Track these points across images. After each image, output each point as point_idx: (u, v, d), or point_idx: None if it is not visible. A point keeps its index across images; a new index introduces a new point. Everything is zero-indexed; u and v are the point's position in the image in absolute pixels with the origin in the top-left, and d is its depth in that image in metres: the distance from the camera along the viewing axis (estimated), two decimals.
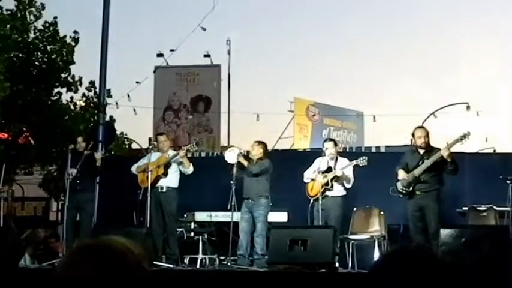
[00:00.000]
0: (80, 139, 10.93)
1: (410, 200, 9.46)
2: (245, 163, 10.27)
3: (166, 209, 10.38)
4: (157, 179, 10.35)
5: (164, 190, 10.41)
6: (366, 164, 10.01)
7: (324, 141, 10.98)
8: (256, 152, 10.40)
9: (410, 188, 9.40)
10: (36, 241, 13.90)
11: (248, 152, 10.70)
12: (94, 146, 11.29)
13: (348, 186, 10.17)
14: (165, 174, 10.42)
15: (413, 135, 9.76)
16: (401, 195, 9.54)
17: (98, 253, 1.89)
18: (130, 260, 1.90)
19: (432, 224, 9.13)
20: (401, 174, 9.52)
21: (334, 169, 10.10)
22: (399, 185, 9.51)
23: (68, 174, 10.35)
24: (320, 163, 10.26)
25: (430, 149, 9.46)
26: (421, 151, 9.53)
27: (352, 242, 10.36)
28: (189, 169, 10.53)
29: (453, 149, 9.41)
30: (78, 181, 10.41)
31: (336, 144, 10.69)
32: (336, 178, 10.06)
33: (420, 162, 9.41)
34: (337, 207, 10.06)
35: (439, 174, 9.41)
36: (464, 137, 9.20)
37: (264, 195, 10.18)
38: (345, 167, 10.10)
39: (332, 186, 10.05)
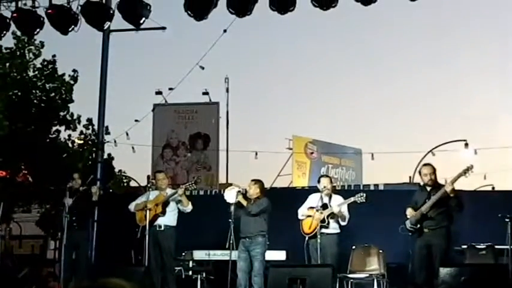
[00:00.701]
0: (76, 175, 10.90)
1: (419, 238, 9.38)
2: (244, 203, 10.25)
3: (164, 248, 10.34)
4: (155, 217, 10.32)
5: (162, 228, 10.37)
6: (364, 200, 9.95)
7: (319, 177, 10.99)
8: (254, 192, 10.38)
9: (418, 226, 9.34)
10: (34, 281, 13.79)
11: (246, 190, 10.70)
12: (91, 183, 11.27)
13: (343, 223, 10.14)
14: (163, 212, 10.39)
15: (420, 172, 9.75)
16: (410, 234, 9.46)
17: None
18: None
19: (437, 262, 9.02)
20: (409, 212, 9.46)
21: (330, 206, 10.08)
22: (408, 223, 9.44)
23: (64, 207, 10.31)
24: (314, 200, 10.24)
25: (437, 186, 9.43)
26: (428, 188, 9.49)
27: (351, 280, 10.32)
28: (188, 207, 10.51)
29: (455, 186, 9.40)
30: (74, 218, 10.39)
31: (331, 181, 10.70)
32: (332, 215, 10.04)
33: (427, 199, 9.36)
34: (333, 244, 10.03)
35: (447, 211, 9.32)
36: (467, 170, 9.15)
37: (261, 233, 10.14)
38: (342, 204, 10.07)
39: (328, 223, 10.02)
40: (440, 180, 9.61)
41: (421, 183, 9.80)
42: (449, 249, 9.37)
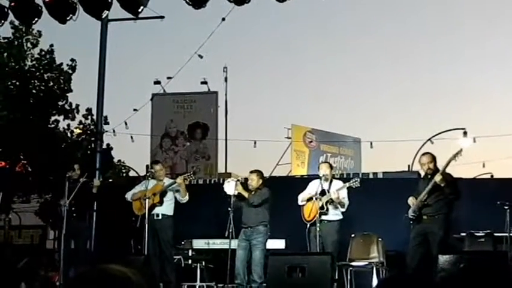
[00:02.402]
0: (76, 166, 10.93)
1: (418, 225, 9.41)
2: (245, 194, 10.26)
3: (162, 237, 10.37)
4: (152, 206, 10.34)
5: (160, 218, 10.41)
6: (358, 185, 9.96)
7: (319, 164, 11.02)
8: (255, 182, 10.39)
9: (418, 213, 9.38)
10: (34, 270, 13.82)
11: (246, 179, 10.69)
12: (90, 174, 11.28)
13: (343, 210, 10.13)
14: (161, 202, 10.43)
15: (419, 162, 9.79)
16: (411, 222, 9.49)
17: (99, 281, 1.89)
18: (130, 287, 1.90)
19: (434, 250, 9.08)
20: (410, 200, 9.50)
21: (328, 192, 10.09)
22: (410, 212, 9.48)
23: (63, 203, 10.34)
24: (315, 186, 10.24)
25: (436, 174, 9.46)
26: (429, 176, 9.53)
27: (351, 268, 10.33)
28: (185, 198, 10.54)
29: (451, 174, 9.43)
30: (73, 208, 10.40)
31: (331, 167, 10.70)
32: (330, 201, 10.04)
33: (427, 187, 9.42)
34: (333, 232, 10.03)
35: (445, 198, 9.35)
36: (457, 154, 9.20)
37: (262, 223, 10.16)
38: (339, 189, 10.07)
39: (327, 209, 10.03)
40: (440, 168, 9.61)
41: (421, 172, 9.82)
42: (447, 236, 9.40)
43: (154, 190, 10.48)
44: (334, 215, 10.11)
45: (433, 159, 9.63)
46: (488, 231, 10.55)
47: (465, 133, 20.01)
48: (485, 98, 39.45)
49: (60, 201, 10.59)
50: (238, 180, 10.48)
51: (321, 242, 9.82)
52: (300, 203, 10.37)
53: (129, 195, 10.77)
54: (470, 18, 38.54)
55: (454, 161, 9.30)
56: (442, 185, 9.19)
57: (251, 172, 10.55)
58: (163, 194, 10.50)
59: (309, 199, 10.23)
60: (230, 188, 10.26)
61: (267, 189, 10.37)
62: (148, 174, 10.90)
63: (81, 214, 10.72)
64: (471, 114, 37.92)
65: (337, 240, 10.07)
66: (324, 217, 9.96)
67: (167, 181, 10.75)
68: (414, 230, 9.43)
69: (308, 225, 10.11)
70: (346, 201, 10.11)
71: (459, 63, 39.03)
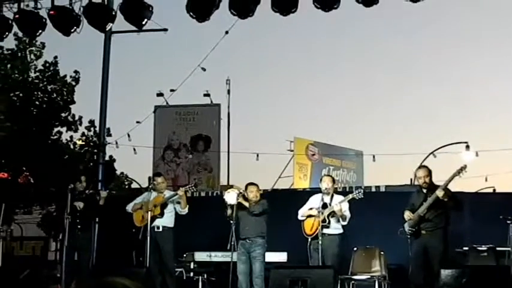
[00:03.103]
0: (83, 178, 10.94)
1: (417, 240, 9.42)
2: (246, 204, 10.27)
3: (163, 249, 10.37)
4: (153, 218, 10.34)
5: (160, 230, 10.41)
6: (362, 196, 9.95)
7: (322, 177, 11.02)
8: (255, 195, 10.39)
9: (416, 228, 9.39)
10: (35, 282, 13.78)
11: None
12: (94, 186, 11.28)
13: (344, 223, 10.11)
14: (161, 214, 10.45)
15: (415, 175, 9.81)
16: (408, 236, 9.50)
17: None
18: None
19: (435, 265, 9.09)
20: (407, 214, 9.53)
21: (330, 205, 10.08)
22: (406, 226, 9.50)
23: (66, 209, 10.28)
24: (316, 201, 10.24)
25: (433, 188, 9.49)
26: (425, 190, 9.57)
27: (353, 282, 10.31)
28: (185, 210, 10.54)
29: (453, 188, 9.44)
30: (78, 220, 10.38)
31: (333, 181, 10.70)
32: (332, 214, 10.03)
33: (424, 202, 9.43)
34: (334, 245, 10.00)
35: (444, 212, 9.38)
36: (461, 170, 9.24)
37: (261, 235, 10.16)
38: (342, 201, 10.05)
39: (329, 222, 10.01)
40: (441, 182, 9.63)
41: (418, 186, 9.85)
42: (447, 250, 9.40)
43: (155, 202, 10.49)
44: (336, 228, 10.09)
45: (429, 173, 9.68)
46: (491, 245, 10.54)
47: (467, 147, 19.99)
48: (488, 111, 39.41)
49: (64, 213, 10.55)
50: (240, 192, 10.46)
51: (321, 255, 9.81)
52: (299, 217, 10.35)
53: (129, 207, 10.79)
54: (473, 31, 38.56)
55: (458, 177, 9.32)
56: (446, 199, 9.20)
57: (250, 184, 10.54)
58: (163, 205, 10.50)
59: (309, 216, 10.22)
60: (231, 197, 10.26)
61: (266, 200, 10.40)
62: (150, 185, 10.90)
63: (85, 226, 10.70)
64: (474, 128, 37.87)
65: (338, 254, 10.04)
66: (325, 230, 9.93)
67: (168, 193, 10.75)
68: (414, 245, 9.45)
69: (309, 239, 10.10)
70: (347, 214, 10.09)
71: (462, 76, 39.01)
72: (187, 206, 10.54)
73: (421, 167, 10.17)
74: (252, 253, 10.11)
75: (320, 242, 9.73)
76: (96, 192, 10.89)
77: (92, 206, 10.62)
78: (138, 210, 10.60)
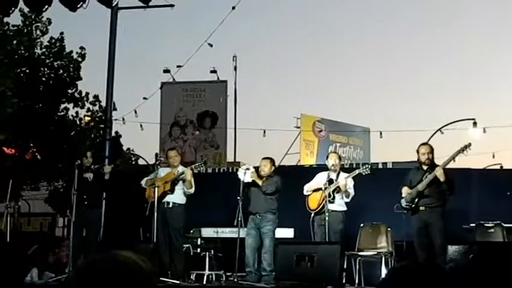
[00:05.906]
0: (89, 154, 10.90)
1: (415, 216, 9.50)
2: (259, 182, 10.25)
3: (172, 225, 10.35)
4: (163, 194, 10.32)
5: (170, 206, 10.38)
6: (369, 172, 9.98)
7: (328, 154, 11.02)
8: (268, 169, 10.39)
9: (414, 203, 9.44)
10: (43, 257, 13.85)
11: (256, 167, 10.65)
12: (100, 162, 11.27)
13: (347, 200, 10.12)
14: (172, 190, 10.38)
15: (417, 151, 9.81)
16: (405, 212, 9.56)
17: (108, 268, 1.88)
18: (140, 275, 1.89)
19: (437, 241, 9.18)
20: (405, 190, 9.61)
21: (336, 181, 10.07)
22: (403, 202, 9.58)
23: (73, 184, 10.26)
24: (322, 178, 10.24)
25: (433, 166, 9.53)
26: (425, 167, 9.61)
27: (359, 258, 10.32)
28: (191, 190, 10.46)
29: (460, 165, 9.45)
30: (85, 196, 10.36)
31: (340, 158, 10.69)
32: (337, 189, 10.03)
33: (424, 178, 9.47)
34: (338, 222, 10.01)
35: (443, 190, 9.43)
36: (465, 148, 9.27)
37: (271, 211, 10.16)
38: (348, 176, 10.05)
39: (334, 198, 10.01)
40: (445, 158, 9.66)
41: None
42: (446, 227, 9.42)
43: (167, 178, 10.44)
44: (339, 205, 10.10)
45: (432, 150, 9.71)
46: (498, 221, 10.53)
47: (475, 123, 19.89)
48: (495, 88, 39.23)
49: (71, 189, 10.54)
50: (252, 169, 10.40)
51: (324, 231, 9.81)
52: (305, 192, 10.36)
53: (143, 181, 10.72)
54: (479, 7, 38.28)
55: (462, 155, 9.32)
56: (442, 179, 9.25)
57: (264, 159, 10.54)
58: (175, 182, 10.44)
59: (315, 190, 10.22)
60: (246, 175, 10.22)
61: (279, 177, 10.38)
62: (157, 162, 10.86)
63: (93, 202, 10.68)
64: (481, 104, 37.73)
65: (341, 230, 10.05)
66: (330, 206, 9.93)
67: (181, 169, 10.63)
68: (414, 222, 9.51)
69: (312, 215, 10.11)
70: (351, 192, 10.10)
71: (469, 52, 38.79)
72: (193, 187, 10.43)
73: (423, 143, 10.18)
74: (262, 229, 10.13)
75: (326, 217, 9.72)
76: (101, 167, 10.83)
77: (99, 179, 10.59)
78: (150, 186, 10.54)
